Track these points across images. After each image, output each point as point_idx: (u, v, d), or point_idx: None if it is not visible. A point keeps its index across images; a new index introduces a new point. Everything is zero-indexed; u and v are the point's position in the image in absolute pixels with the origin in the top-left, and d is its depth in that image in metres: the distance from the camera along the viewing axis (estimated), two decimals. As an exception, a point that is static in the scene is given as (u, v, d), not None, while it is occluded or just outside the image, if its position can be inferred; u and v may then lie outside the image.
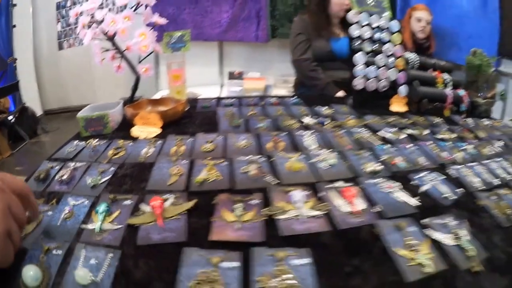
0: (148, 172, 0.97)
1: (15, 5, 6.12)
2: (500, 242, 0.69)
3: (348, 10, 2.51)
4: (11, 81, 5.81)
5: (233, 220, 0.73)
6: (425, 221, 0.72)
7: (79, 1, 6.27)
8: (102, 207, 0.78)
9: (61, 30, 6.80)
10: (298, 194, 0.80)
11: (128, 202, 0.82)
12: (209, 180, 0.90)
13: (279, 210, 0.75)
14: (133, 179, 0.95)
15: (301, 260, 0.61)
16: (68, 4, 6.49)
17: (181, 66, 1.74)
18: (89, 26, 1.52)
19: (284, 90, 3.49)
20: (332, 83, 2.47)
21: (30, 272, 0.60)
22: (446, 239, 0.67)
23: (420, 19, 2.93)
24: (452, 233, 0.69)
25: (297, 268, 0.60)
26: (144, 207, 0.79)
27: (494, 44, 3.01)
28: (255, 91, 3.42)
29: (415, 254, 0.63)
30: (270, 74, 4.11)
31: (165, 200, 0.81)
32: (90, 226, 0.74)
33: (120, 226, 0.73)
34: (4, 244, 0.57)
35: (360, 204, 0.77)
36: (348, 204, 0.77)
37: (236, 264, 0.61)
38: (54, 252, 0.66)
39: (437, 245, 0.66)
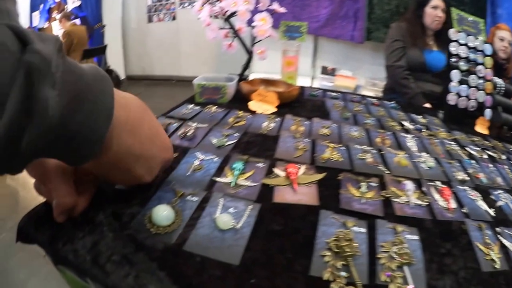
0: (272, 143, 1.04)
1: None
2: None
3: (441, 24, 2.55)
4: (98, 45, 6.01)
5: (359, 195, 0.79)
6: (498, 229, 0.77)
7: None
8: (238, 165, 0.85)
9: (151, 4, 6.99)
10: (410, 185, 0.86)
11: (260, 164, 0.89)
12: (332, 159, 0.96)
13: (394, 194, 0.82)
14: (258, 147, 1.01)
15: (412, 236, 0.68)
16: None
17: (296, 54, 1.80)
18: (210, 3, 1.59)
19: (372, 92, 3.49)
20: (420, 94, 2.46)
21: (164, 212, 0.64)
22: (511, 247, 0.73)
23: (503, 38, 2.83)
24: None
25: (409, 241, 0.67)
26: (278, 171, 0.86)
27: None
28: (346, 89, 3.44)
29: (489, 251, 0.69)
30: (360, 74, 4.10)
31: (299, 168, 0.87)
32: (223, 180, 0.81)
33: (255, 184, 0.80)
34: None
35: (453, 203, 0.82)
36: (445, 201, 0.83)
37: (363, 229, 0.68)
38: (189, 198, 0.72)
39: (504, 250, 0.71)
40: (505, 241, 0.74)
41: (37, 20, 6.67)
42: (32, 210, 0.66)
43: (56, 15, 6.11)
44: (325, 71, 3.96)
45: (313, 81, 4.28)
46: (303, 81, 3.24)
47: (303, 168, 0.88)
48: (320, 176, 0.86)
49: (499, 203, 0.90)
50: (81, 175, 0.63)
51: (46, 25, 6.60)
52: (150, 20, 7.08)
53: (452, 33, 1.69)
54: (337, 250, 0.61)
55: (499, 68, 2.86)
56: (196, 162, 0.87)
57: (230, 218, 0.66)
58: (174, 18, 6.89)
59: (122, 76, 6.78)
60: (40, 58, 0.37)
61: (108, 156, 0.54)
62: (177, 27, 6.87)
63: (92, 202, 0.66)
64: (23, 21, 6.46)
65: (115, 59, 6.59)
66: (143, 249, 0.58)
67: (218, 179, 0.81)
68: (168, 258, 0.57)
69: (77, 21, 6.20)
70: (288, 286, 0.55)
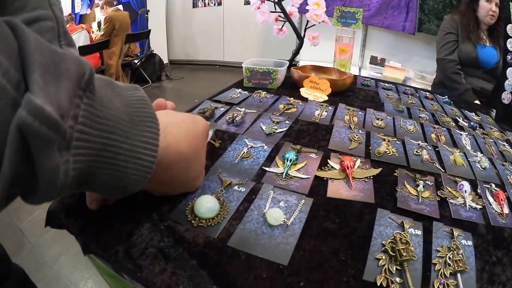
0: (325, 132, 0.99)
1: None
2: None
3: (495, 18, 2.45)
4: (142, 30, 6.12)
5: (415, 194, 0.75)
6: None
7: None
8: (291, 155, 0.80)
9: (197, -11, 7.04)
10: (467, 186, 0.80)
11: (313, 155, 0.84)
12: (388, 153, 0.91)
13: (450, 195, 0.78)
14: (311, 136, 0.97)
15: (467, 242, 0.64)
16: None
17: (350, 41, 1.75)
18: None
19: (420, 85, 3.41)
20: (471, 90, 2.38)
21: (208, 203, 0.60)
22: None
23: None
24: None
25: (464, 247, 0.63)
26: (333, 163, 0.81)
27: None
28: (394, 80, 3.37)
29: None
30: (409, 66, 4.03)
31: (355, 162, 0.82)
32: (274, 170, 0.76)
33: (308, 176, 0.75)
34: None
35: (506, 209, 0.77)
36: (498, 206, 0.78)
37: (419, 232, 0.64)
38: (236, 188, 0.69)
39: None
40: None
41: (79, 6, 6.79)
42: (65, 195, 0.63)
43: (98, 1, 6.22)
44: (374, 61, 3.91)
45: (361, 71, 4.24)
46: (351, 71, 3.21)
47: (359, 161, 0.84)
48: (376, 171, 0.81)
49: None
50: None
51: (88, 11, 6.73)
52: (195, 5, 7.12)
53: (510, 28, 1.60)
54: (393, 254, 0.57)
55: None
56: (245, 150, 0.84)
57: (281, 213, 0.61)
58: (220, 4, 6.91)
59: (165, 60, 6.86)
60: (41, 121, 0.28)
61: None
62: (222, 13, 6.90)
63: None
64: (65, 8, 6.60)
65: (159, 44, 6.69)
66: (182, 243, 0.55)
67: (268, 169, 0.77)
68: (210, 254, 0.53)
69: (120, 6, 6.32)
70: (340, 292, 0.51)
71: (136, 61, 5.93)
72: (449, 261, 0.58)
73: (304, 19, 1.67)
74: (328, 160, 0.83)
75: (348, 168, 0.78)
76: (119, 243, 0.54)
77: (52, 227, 0.62)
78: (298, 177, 0.75)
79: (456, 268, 0.57)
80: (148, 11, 6.67)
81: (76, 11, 6.75)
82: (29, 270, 1.06)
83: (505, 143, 1.20)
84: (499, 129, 1.37)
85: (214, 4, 6.93)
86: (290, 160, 0.79)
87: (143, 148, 0.42)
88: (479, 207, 0.76)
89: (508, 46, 1.59)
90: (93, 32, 6.04)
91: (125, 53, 5.59)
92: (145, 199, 0.62)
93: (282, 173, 0.75)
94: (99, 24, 6.00)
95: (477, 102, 2.18)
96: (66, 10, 6.47)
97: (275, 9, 1.60)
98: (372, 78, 1.82)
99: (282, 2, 1.58)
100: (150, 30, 6.13)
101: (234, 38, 6.87)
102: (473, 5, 2.51)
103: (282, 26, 1.64)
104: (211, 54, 7.20)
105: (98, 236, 0.55)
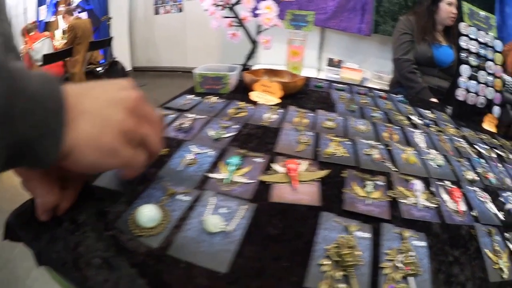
0: (273, 135, 0.98)
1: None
2: None
3: (454, 19, 2.52)
4: (105, 38, 6.10)
5: (364, 195, 0.74)
6: (507, 235, 0.74)
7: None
8: (235, 160, 0.79)
9: (158, -4, 7.08)
10: (419, 184, 0.81)
11: (259, 159, 0.83)
12: (336, 154, 0.91)
13: (401, 195, 0.77)
14: (259, 139, 0.96)
15: (420, 242, 0.64)
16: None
17: (302, 43, 1.76)
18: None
19: (377, 85, 3.47)
20: (427, 89, 2.43)
21: (148, 213, 0.58)
22: None
23: None
24: None
25: (417, 248, 0.62)
26: (277, 167, 0.80)
27: None
28: (351, 81, 3.44)
29: (498, 259, 0.65)
30: (366, 67, 4.12)
31: (299, 164, 0.81)
32: (217, 176, 0.75)
33: (252, 181, 0.74)
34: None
35: (462, 206, 0.78)
36: (454, 203, 0.78)
37: (368, 235, 0.63)
38: (180, 197, 0.67)
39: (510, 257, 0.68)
40: None
41: (44, 13, 6.74)
42: (20, 206, 0.62)
43: (62, 8, 6.16)
44: (331, 63, 3.98)
45: (319, 73, 4.30)
46: (309, 73, 3.24)
47: (304, 164, 0.82)
48: (323, 173, 0.80)
49: (508, 206, 0.86)
50: (65, 171, 0.54)
51: (53, 18, 6.70)
52: (156, 12, 7.13)
53: (463, 27, 1.64)
54: (337, 259, 0.56)
55: None
56: (190, 156, 0.82)
57: (219, 220, 0.60)
58: (181, 10, 6.93)
59: (129, 67, 6.82)
60: None
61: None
62: (184, 19, 6.92)
63: (78, 199, 0.61)
64: (30, 15, 6.55)
65: (121, 51, 6.67)
66: (124, 252, 0.54)
67: (211, 175, 0.75)
68: (150, 263, 0.52)
69: (84, 14, 6.28)
70: (280, 300, 0.50)
71: (99, 69, 5.87)
72: (399, 265, 0.57)
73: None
74: (272, 164, 0.81)
75: (292, 171, 0.77)
76: (68, 254, 0.53)
77: (11, 240, 0.61)
78: (242, 182, 0.74)
79: (407, 271, 0.56)
80: (111, 18, 6.64)
81: (41, 19, 6.70)
82: (2, 286, 1.04)
83: (460, 139, 1.22)
84: (455, 126, 1.40)
85: (176, 11, 6.95)
86: (234, 165, 0.78)
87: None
88: (433, 205, 0.76)
89: (462, 44, 1.62)
90: (56, 40, 5.96)
91: (87, 61, 5.53)
92: (92, 209, 0.61)
93: (225, 179, 0.74)
94: (63, 32, 5.94)
95: (434, 100, 2.22)
96: (31, 17, 6.43)
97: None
98: (326, 80, 1.84)
99: (237, 7, 1.57)
100: (112, 37, 6.09)
101: (196, 44, 6.90)
102: (432, 7, 2.56)
103: (236, 31, 1.63)
104: (174, 60, 7.21)
105: (49, 246, 0.54)
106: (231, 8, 1.56)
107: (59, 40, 5.96)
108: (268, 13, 1.52)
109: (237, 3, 1.55)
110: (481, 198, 0.84)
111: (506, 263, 0.65)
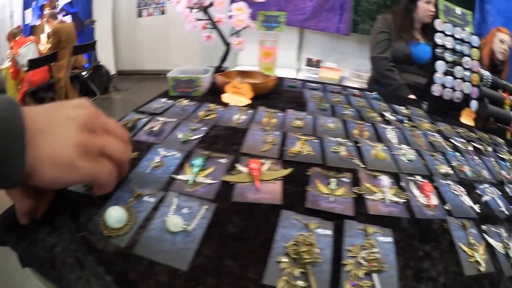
0: (241, 136, 0.99)
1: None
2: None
3: (433, 17, 2.55)
4: (89, 41, 6.06)
5: (327, 193, 0.75)
6: (484, 227, 0.74)
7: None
8: (198, 161, 0.80)
9: (141, -1, 7.05)
10: (386, 180, 0.82)
11: (223, 160, 0.85)
12: (302, 152, 0.92)
13: (368, 191, 0.78)
14: (226, 141, 0.97)
15: (386, 238, 0.64)
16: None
17: (274, 44, 1.77)
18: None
19: (357, 84, 3.50)
20: (405, 86, 2.45)
21: (117, 214, 0.61)
22: (498, 246, 0.70)
23: (503, 41, 2.83)
24: (504, 243, 0.72)
25: (382, 244, 0.63)
26: (240, 167, 0.81)
27: None
28: (330, 80, 3.46)
29: (474, 252, 0.66)
30: (345, 66, 4.15)
31: (263, 164, 0.83)
32: (182, 177, 0.76)
33: (214, 181, 0.76)
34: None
35: (434, 200, 0.79)
36: (425, 198, 0.79)
37: (329, 232, 0.64)
38: (146, 198, 0.69)
39: (490, 250, 0.69)
40: (491, 240, 0.71)
41: (30, 17, 6.70)
42: (4, 212, 0.65)
43: (48, 11, 6.12)
44: (310, 63, 4.01)
45: (298, 73, 4.30)
46: (288, 73, 3.25)
47: (268, 163, 0.84)
48: (285, 171, 0.81)
49: (485, 198, 0.87)
50: None
51: (38, 22, 6.65)
52: (139, 14, 7.10)
53: (438, 23, 1.66)
54: (295, 256, 0.57)
55: (494, 69, 2.88)
56: (157, 159, 0.83)
57: (180, 220, 0.62)
58: (163, 12, 6.91)
59: (113, 71, 6.78)
60: None
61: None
62: (167, 21, 6.89)
63: (55, 204, 0.64)
64: (17, 19, 6.52)
65: (106, 55, 6.63)
66: (94, 252, 0.57)
67: (176, 176, 0.77)
68: (117, 262, 0.55)
69: (68, 17, 6.25)
70: (237, 296, 0.52)
71: (83, 73, 5.85)
72: (361, 261, 0.58)
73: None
74: (236, 164, 0.83)
75: (255, 170, 0.78)
76: (46, 255, 0.56)
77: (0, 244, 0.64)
78: (205, 183, 0.75)
79: (371, 268, 0.57)
80: (95, 21, 6.61)
81: (27, 22, 6.67)
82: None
83: (435, 134, 1.24)
84: (430, 121, 1.41)
85: (158, 13, 6.93)
86: (197, 166, 0.79)
87: None
88: (402, 201, 0.76)
89: (437, 40, 1.65)
90: (42, 44, 5.91)
91: (72, 65, 5.50)
92: (67, 212, 0.64)
93: (189, 180, 0.75)
94: (48, 35, 5.89)
95: (412, 96, 2.24)
96: (17, 20, 6.46)
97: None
98: (300, 80, 1.85)
99: (213, 9, 1.58)
100: (96, 41, 6.07)
101: (179, 46, 6.88)
102: (410, 6, 2.59)
103: (210, 33, 1.64)
104: (157, 63, 7.17)
105: (29, 249, 0.58)
106: (205, 11, 1.57)
107: (44, 45, 5.92)
108: (240, 15, 1.54)
109: (210, 5, 1.56)
110: (455, 192, 0.85)
111: (483, 255, 0.65)
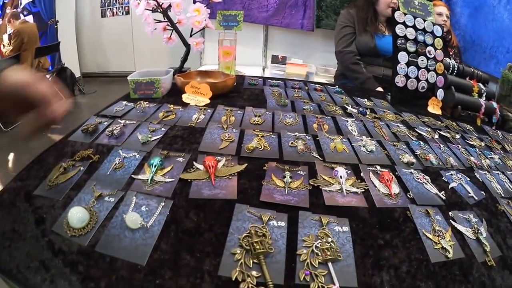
0: (199, 135, 1.01)
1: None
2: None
3: (395, 9, 2.58)
4: (52, 42, 5.91)
5: (282, 186, 0.78)
6: (451, 213, 0.77)
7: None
8: (155, 161, 0.82)
9: (105, -1, 6.90)
10: (342, 171, 0.84)
11: (180, 159, 0.87)
12: (259, 148, 0.94)
13: (325, 183, 0.80)
14: (184, 140, 0.99)
15: (341, 228, 0.67)
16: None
17: (233, 43, 1.79)
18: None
19: (324, 79, 3.52)
20: (372, 78, 2.48)
21: (78, 214, 0.65)
22: (467, 232, 0.73)
23: (441, 13, 2.84)
24: (473, 228, 0.74)
25: (337, 234, 0.65)
26: (197, 165, 0.84)
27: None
28: (297, 76, 3.46)
29: (440, 239, 0.68)
30: (312, 62, 4.14)
31: (218, 161, 0.85)
32: (141, 177, 0.79)
33: (172, 179, 0.78)
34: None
35: (395, 189, 0.81)
36: (385, 187, 0.81)
37: (282, 223, 0.67)
38: (106, 199, 0.72)
39: (458, 236, 0.71)
40: (459, 226, 0.74)
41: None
42: None
43: (9, 11, 5.95)
44: (275, 59, 3.99)
45: (265, 71, 4.30)
46: (254, 71, 3.25)
47: (224, 160, 0.86)
48: (240, 167, 0.84)
49: (452, 185, 0.90)
50: None
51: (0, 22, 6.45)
52: (103, 14, 6.95)
53: (397, 15, 1.70)
54: (248, 248, 0.60)
55: (444, 42, 2.92)
56: (117, 161, 0.85)
57: (138, 217, 0.65)
58: (128, 13, 6.78)
59: (78, 73, 6.65)
60: None
61: None
62: (131, 22, 6.76)
63: (19, 209, 0.69)
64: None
65: (70, 57, 6.41)
66: (59, 253, 0.60)
67: (136, 176, 0.79)
68: (80, 260, 0.58)
69: (30, 17, 6.06)
70: (194, 287, 0.54)
71: (47, 76, 5.72)
72: (316, 251, 0.60)
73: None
74: (194, 162, 0.85)
75: (210, 167, 0.80)
76: (12, 261, 0.59)
77: None
78: (162, 181, 0.78)
79: (325, 257, 0.59)
80: (57, 21, 6.44)
81: (-13, 22, 6.46)
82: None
83: (399, 124, 1.27)
84: (394, 112, 1.46)
85: (122, 13, 6.80)
86: (155, 166, 0.81)
87: None
88: (360, 191, 0.79)
89: (398, 31, 1.69)
90: (3, 46, 5.73)
91: (35, 68, 5.37)
92: (32, 217, 0.68)
93: (148, 179, 0.77)
94: (9, 36, 5.72)
95: (379, 89, 2.28)
96: None
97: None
98: (261, 77, 1.87)
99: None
100: (59, 42, 5.90)
101: (144, 47, 6.74)
102: None
103: (171, 34, 1.65)
104: (122, 65, 6.99)
105: None
106: (165, 13, 1.58)
107: (6, 46, 5.75)
108: (197, 16, 1.55)
109: (169, 7, 1.57)
110: (419, 180, 0.88)
111: (450, 242, 0.68)
